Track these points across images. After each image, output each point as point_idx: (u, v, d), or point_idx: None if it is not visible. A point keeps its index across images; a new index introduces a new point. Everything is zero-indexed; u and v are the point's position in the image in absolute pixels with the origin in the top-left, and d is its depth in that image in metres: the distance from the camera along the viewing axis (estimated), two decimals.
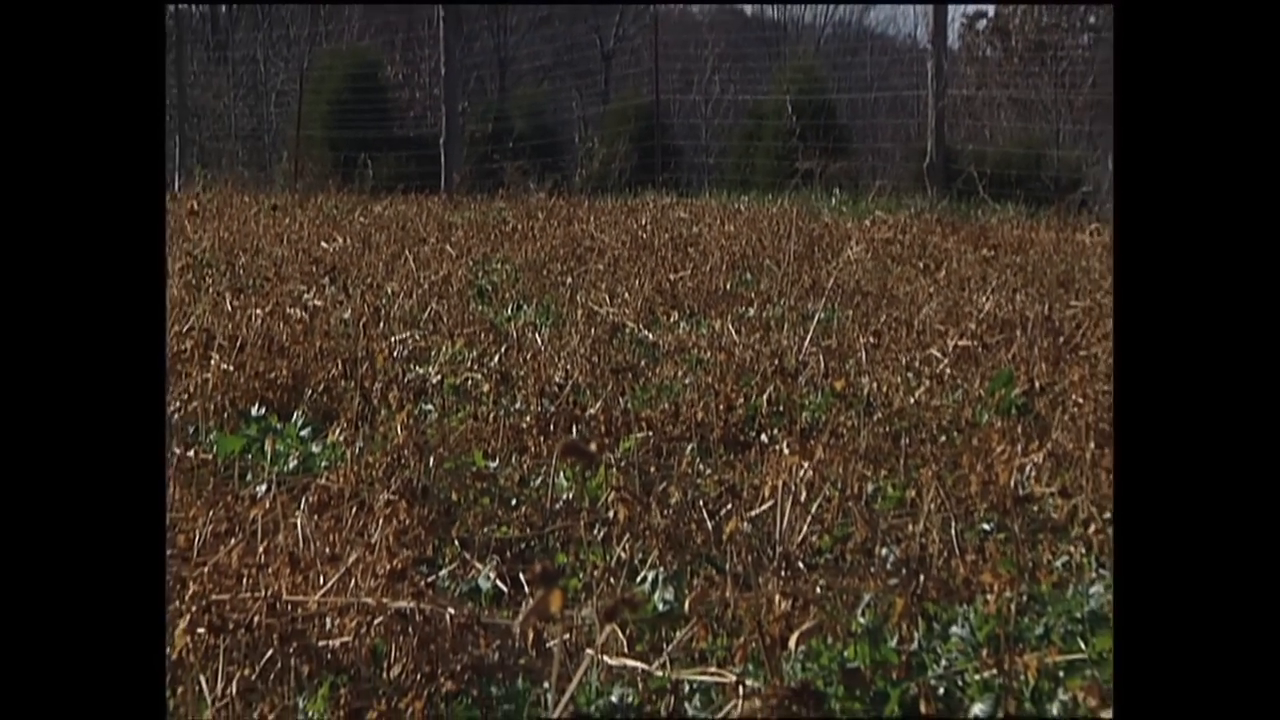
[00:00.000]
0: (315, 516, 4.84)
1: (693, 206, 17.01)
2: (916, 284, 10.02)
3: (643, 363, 7.58)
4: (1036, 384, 6.61)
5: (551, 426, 6.10)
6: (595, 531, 4.99)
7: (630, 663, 3.65)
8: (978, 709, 3.47)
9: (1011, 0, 26.80)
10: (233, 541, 4.63)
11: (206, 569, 4.38)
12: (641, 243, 12.71)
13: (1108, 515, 4.96)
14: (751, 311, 9.04)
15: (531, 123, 24.67)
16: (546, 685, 3.53)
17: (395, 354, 7.69)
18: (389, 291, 9.88)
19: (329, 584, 4.20)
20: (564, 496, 5.34)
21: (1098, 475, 5.33)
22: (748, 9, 46.22)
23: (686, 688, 3.64)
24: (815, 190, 18.23)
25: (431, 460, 5.65)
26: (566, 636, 3.75)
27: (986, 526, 4.93)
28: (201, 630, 3.90)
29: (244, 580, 4.30)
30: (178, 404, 6.65)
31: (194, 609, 4.00)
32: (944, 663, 3.69)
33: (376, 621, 4.03)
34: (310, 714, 3.61)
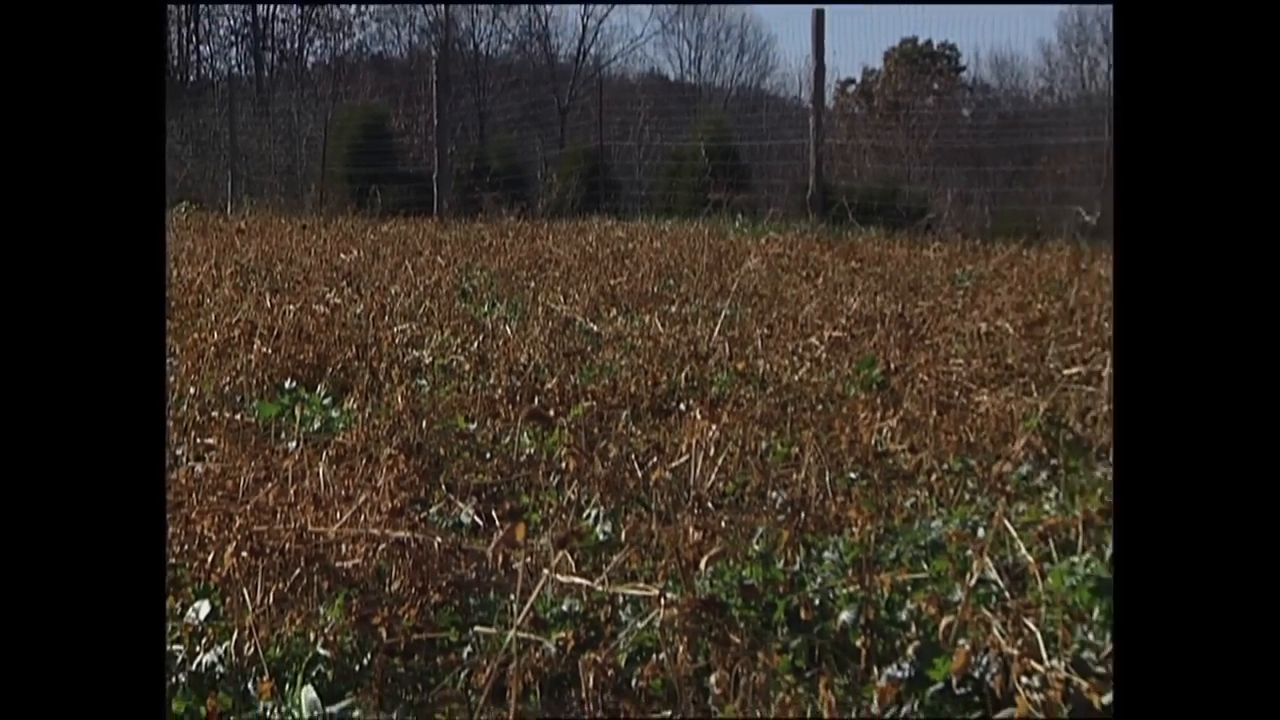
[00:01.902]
0: (334, 466, 4.82)
1: (628, 228, 16.96)
2: (800, 288, 10.02)
3: (589, 348, 7.57)
4: (892, 365, 6.62)
5: (517, 397, 6.09)
6: (551, 478, 4.97)
7: (577, 580, 3.63)
8: (845, 615, 3.46)
9: None
10: (270, 485, 4.61)
11: (249, 506, 4.35)
12: (588, 255, 12.68)
13: (946, 466, 4.98)
14: (673, 309, 9.02)
15: (504, 163, 24.56)
16: (512, 597, 3.51)
17: (397, 341, 7.66)
18: (393, 292, 9.83)
19: (344, 518, 4.18)
20: (527, 451, 5.33)
21: (939, 436, 5.34)
22: (671, 76, 46.30)
23: (621, 599, 3.63)
24: (723, 216, 18.18)
25: (424, 423, 5.64)
26: (528, 559, 3.73)
27: (853, 475, 4.94)
28: (245, 554, 3.87)
29: (278, 515, 4.27)
30: (228, 378, 6.62)
31: (239, 537, 3.97)
32: (819, 580, 3.69)
33: (381, 548, 4.01)
34: (329, 619, 3.58)
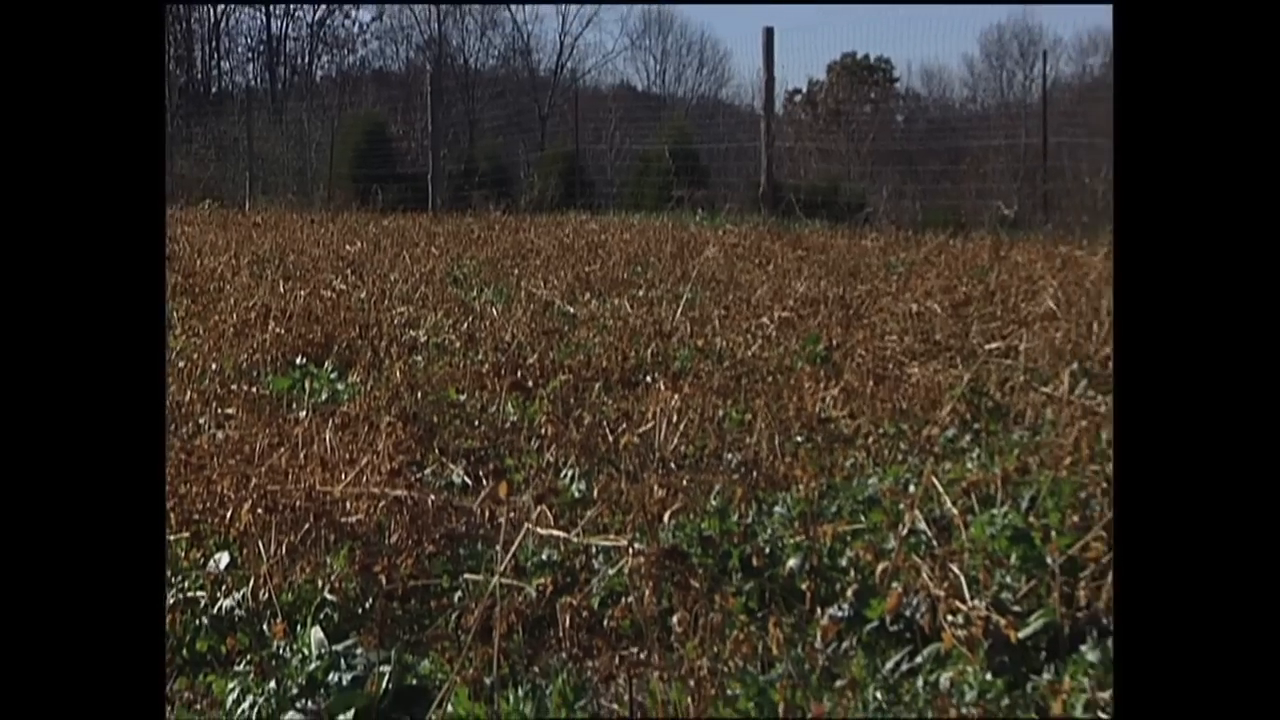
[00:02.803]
0: (339, 433, 4.81)
1: (601, 221, 16.92)
2: (753, 274, 10.01)
3: (565, 327, 7.55)
4: (834, 342, 6.62)
5: (502, 371, 6.07)
6: (531, 443, 4.97)
7: (555, 532, 3.63)
8: (792, 562, 3.47)
9: None
10: (282, 449, 4.60)
11: (264, 468, 4.34)
12: (566, 246, 12.65)
13: (881, 430, 4.98)
14: (641, 293, 9.01)
15: (490, 164, 24.46)
16: (497, 548, 3.50)
17: (395, 322, 7.64)
18: (392, 279, 9.80)
19: (348, 479, 4.17)
20: (510, 419, 5.32)
21: (875, 403, 5.34)
22: (639, 87, 46.26)
23: (594, 549, 3.62)
24: (684, 210, 18.15)
25: (419, 394, 5.62)
26: (511, 514, 3.72)
27: (799, 439, 4.93)
28: (260, 510, 3.86)
29: (290, 476, 4.26)
30: (246, 355, 6.60)
31: (255, 496, 3.97)
32: (769, 531, 3.69)
33: (381, 505, 4.00)
34: (335, 568, 3.57)
